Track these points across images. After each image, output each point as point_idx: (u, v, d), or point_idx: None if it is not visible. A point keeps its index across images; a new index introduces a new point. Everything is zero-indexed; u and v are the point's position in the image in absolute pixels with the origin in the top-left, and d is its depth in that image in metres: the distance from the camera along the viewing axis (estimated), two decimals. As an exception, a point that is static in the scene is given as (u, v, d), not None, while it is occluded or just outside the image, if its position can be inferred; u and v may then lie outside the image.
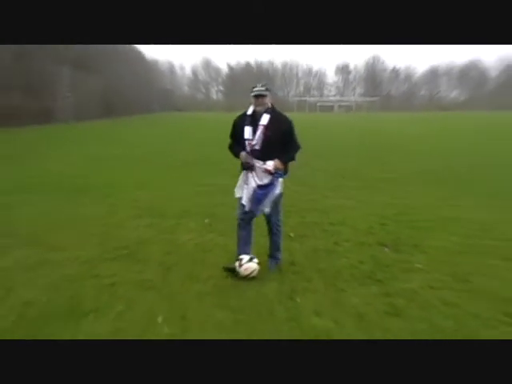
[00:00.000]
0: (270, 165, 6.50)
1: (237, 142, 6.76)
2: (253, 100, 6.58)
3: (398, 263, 7.37)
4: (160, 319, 5.49)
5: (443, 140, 31.52)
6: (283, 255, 7.33)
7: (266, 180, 6.56)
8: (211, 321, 5.47)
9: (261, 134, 6.47)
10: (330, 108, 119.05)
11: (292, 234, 8.59)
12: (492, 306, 5.83)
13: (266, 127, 6.47)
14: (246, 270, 6.46)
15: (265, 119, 6.49)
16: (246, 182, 6.67)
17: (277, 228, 7.05)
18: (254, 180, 6.58)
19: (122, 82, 69.05)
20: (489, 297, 6.11)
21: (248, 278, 6.54)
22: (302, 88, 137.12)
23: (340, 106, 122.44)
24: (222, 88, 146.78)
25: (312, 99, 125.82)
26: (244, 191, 6.69)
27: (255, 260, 6.65)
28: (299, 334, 5.13)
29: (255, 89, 6.53)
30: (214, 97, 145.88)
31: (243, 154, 6.60)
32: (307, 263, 7.18)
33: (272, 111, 6.59)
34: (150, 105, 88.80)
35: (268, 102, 6.65)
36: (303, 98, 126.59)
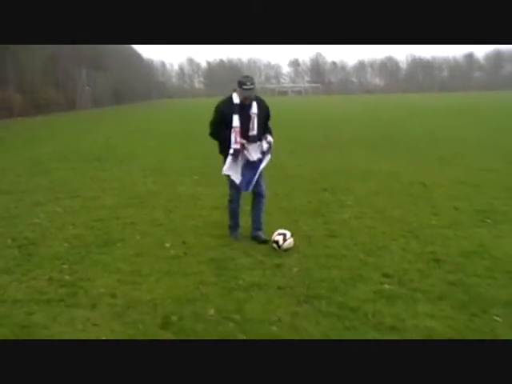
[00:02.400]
0: (271, 139, 5.75)
1: (222, 129, 5.66)
2: (242, 93, 5.51)
3: (335, 202, 7.70)
4: (168, 244, 5.73)
5: (369, 115, 31.81)
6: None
7: (260, 155, 5.68)
8: (202, 244, 5.71)
9: (256, 122, 5.62)
10: (285, 93, 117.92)
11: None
12: (397, 227, 6.22)
13: (258, 114, 5.64)
14: (289, 244, 5.42)
15: (255, 107, 5.64)
16: (237, 162, 5.65)
17: (264, 196, 5.95)
18: (249, 157, 5.65)
19: (127, 76, 67.63)
20: (395, 221, 6.49)
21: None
22: (263, 78, 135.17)
23: (292, 91, 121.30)
24: (202, 79, 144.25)
25: (271, 86, 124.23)
26: (238, 172, 5.68)
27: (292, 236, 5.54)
28: (265, 250, 5.45)
29: (246, 86, 5.47)
30: (197, 86, 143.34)
31: (231, 150, 5.61)
32: (271, 203, 7.04)
33: (256, 98, 5.71)
34: (148, 93, 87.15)
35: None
36: (265, 86, 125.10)
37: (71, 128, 26.16)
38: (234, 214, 5.94)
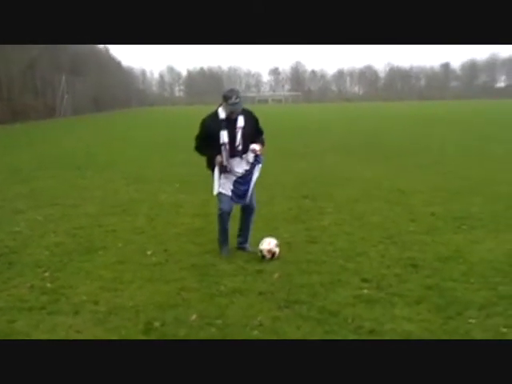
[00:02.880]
0: (256, 146, 5.40)
1: (209, 144, 5.42)
2: (228, 108, 5.27)
3: (315, 209, 7.80)
4: (149, 252, 5.75)
5: (348, 123, 32.13)
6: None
7: (246, 167, 5.45)
8: (184, 251, 5.76)
9: (241, 136, 5.35)
10: (266, 101, 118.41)
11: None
12: (375, 233, 6.33)
13: (243, 128, 5.38)
14: (276, 256, 5.33)
15: (241, 121, 5.37)
16: (227, 177, 5.46)
17: (254, 209, 5.76)
18: (235, 173, 5.45)
19: (106, 84, 67.36)
20: (374, 228, 6.60)
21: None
22: (243, 86, 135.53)
23: (273, 100, 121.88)
24: (182, 87, 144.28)
25: (251, 95, 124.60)
26: (228, 187, 5.47)
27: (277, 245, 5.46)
28: (246, 256, 5.53)
29: (231, 101, 5.20)
30: (177, 94, 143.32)
31: (219, 158, 5.39)
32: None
33: (243, 112, 5.45)
34: (128, 101, 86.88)
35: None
36: (245, 94, 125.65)
37: (51, 135, 25.93)
38: (223, 230, 5.66)
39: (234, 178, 5.47)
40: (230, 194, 5.48)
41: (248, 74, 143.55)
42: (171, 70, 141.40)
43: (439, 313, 4.06)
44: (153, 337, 3.72)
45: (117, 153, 16.67)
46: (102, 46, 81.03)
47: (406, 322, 3.90)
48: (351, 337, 3.68)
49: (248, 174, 5.50)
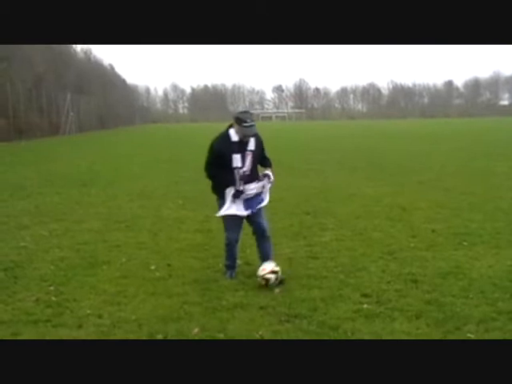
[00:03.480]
0: (271, 175, 5.36)
1: (222, 169, 5.19)
2: (242, 131, 5.06)
3: (317, 225, 7.88)
4: (153, 267, 5.83)
5: (351, 140, 32.30)
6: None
7: (258, 191, 5.30)
8: (187, 266, 5.83)
9: (251, 160, 5.20)
10: (269, 118, 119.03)
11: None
12: (376, 249, 6.40)
13: (254, 151, 5.22)
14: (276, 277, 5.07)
15: (252, 144, 5.21)
16: (237, 201, 5.22)
17: (268, 235, 5.49)
18: (247, 196, 5.25)
19: (110, 101, 68.01)
20: (375, 243, 6.68)
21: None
22: (247, 103, 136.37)
23: (276, 117, 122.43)
24: (186, 104, 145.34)
25: (255, 111, 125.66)
26: (235, 208, 5.21)
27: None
28: (248, 271, 5.58)
29: (247, 124, 5.02)
30: (181, 111, 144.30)
31: (231, 191, 5.15)
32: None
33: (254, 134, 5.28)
34: (132, 118, 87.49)
35: None
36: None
37: (55, 153, 26.13)
38: (231, 256, 5.47)
39: (243, 201, 5.24)
40: (236, 212, 5.21)
41: (252, 92, 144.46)
42: (175, 87, 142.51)
43: (438, 327, 4.12)
44: (155, 349, 3.79)
45: (121, 170, 16.83)
46: (107, 63, 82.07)
47: (405, 336, 3.96)
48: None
49: (260, 195, 5.35)
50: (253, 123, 5.07)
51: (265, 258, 5.38)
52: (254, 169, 5.29)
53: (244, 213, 5.26)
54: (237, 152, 5.13)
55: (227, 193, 5.19)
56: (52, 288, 5.14)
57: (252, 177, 5.26)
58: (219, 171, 5.23)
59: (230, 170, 5.14)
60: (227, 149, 5.14)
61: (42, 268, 5.83)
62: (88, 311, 4.54)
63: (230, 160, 5.12)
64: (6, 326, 4.24)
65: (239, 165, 5.14)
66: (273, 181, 5.41)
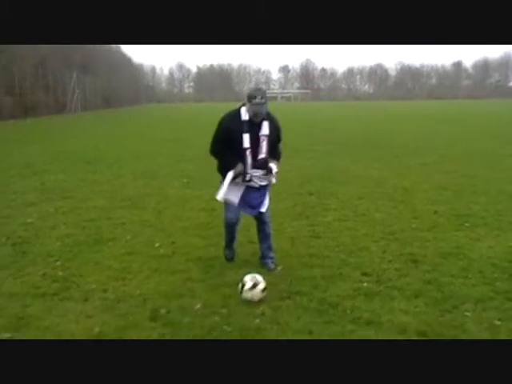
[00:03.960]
0: (275, 169, 4.90)
1: (228, 147, 4.84)
2: (251, 108, 4.69)
3: (320, 205, 7.95)
4: (157, 244, 5.93)
5: (356, 122, 32.19)
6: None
7: (264, 182, 4.96)
8: (191, 244, 5.92)
9: (266, 145, 4.83)
10: (275, 98, 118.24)
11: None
12: (378, 229, 6.47)
13: (269, 136, 4.85)
14: (252, 295, 4.29)
15: (266, 128, 4.82)
16: (237, 184, 4.89)
17: (269, 226, 5.24)
18: (254, 184, 4.91)
19: (116, 80, 67.74)
20: (377, 224, 6.74)
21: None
22: (253, 83, 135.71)
23: (282, 97, 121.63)
24: (192, 84, 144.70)
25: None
26: (235, 194, 4.91)
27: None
28: (251, 249, 5.65)
29: (256, 101, 4.64)
30: (186, 91, 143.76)
31: (240, 167, 4.82)
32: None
33: (268, 117, 4.89)
34: (137, 98, 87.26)
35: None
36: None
37: (61, 131, 26.22)
38: (231, 237, 5.28)
39: (245, 187, 4.93)
40: (237, 201, 4.91)
41: (258, 72, 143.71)
42: (181, 66, 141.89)
43: (436, 306, 4.21)
44: (159, 323, 3.91)
45: (125, 148, 16.88)
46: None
47: (403, 314, 4.05)
48: (349, 327, 3.84)
49: (264, 187, 5.02)
50: (263, 101, 4.65)
51: (264, 246, 5.20)
52: (268, 153, 4.90)
53: (240, 205, 4.94)
54: (246, 131, 4.74)
55: (228, 176, 4.82)
56: (58, 263, 5.26)
57: (266, 164, 4.88)
58: (226, 151, 4.88)
59: (239, 150, 4.78)
60: (236, 127, 4.77)
61: (49, 244, 5.95)
62: (93, 286, 4.65)
63: (240, 139, 4.75)
64: (15, 298, 4.37)
65: (248, 146, 4.77)
66: (276, 176, 4.96)
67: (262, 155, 4.83)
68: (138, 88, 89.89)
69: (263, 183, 4.97)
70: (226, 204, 5.03)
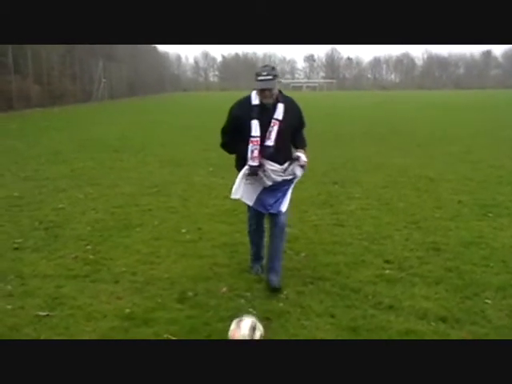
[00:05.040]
0: (303, 158, 4.31)
1: (237, 138, 4.27)
2: (257, 86, 4.15)
3: (344, 194, 8.02)
4: (184, 230, 6.09)
5: (382, 111, 31.92)
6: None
7: (285, 176, 4.28)
8: (216, 230, 6.07)
9: (277, 131, 4.17)
10: (300, 88, 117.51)
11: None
12: (401, 218, 6.53)
13: (282, 121, 4.20)
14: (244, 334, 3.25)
15: (279, 112, 4.20)
16: (254, 183, 4.27)
17: (284, 230, 4.53)
18: (266, 180, 4.23)
19: (141, 69, 68.28)
20: (400, 213, 6.81)
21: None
22: (278, 72, 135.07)
23: (307, 87, 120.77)
24: (217, 73, 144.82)
25: (286, 81, 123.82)
26: (251, 196, 4.32)
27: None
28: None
29: (261, 77, 4.07)
30: (211, 79, 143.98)
31: (251, 167, 4.18)
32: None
33: (284, 99, 4.29)
34: (162, 86, 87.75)
35: (276, 90, 4.22)
36: (279, 80, 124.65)
37: (88, 119, 26.64)
38: (254, 245, 4.77)
39: (262, 187, 4.30)
40: (252, 201, 4.36)
41: (283, 61, 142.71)
42: (206, 55, 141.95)
43: (457, 293, 4.28)
44: (186, 305, 4.06)
45: (151, 136, 17.11)
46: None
47: (423, 300, 4.13)
48: (370, 311, 3.94)
49: (284, 185, 4.35)
50: (269, 77, 4.06)
51: (271, 254, 4.49)
52: (282, 145, 4.24)
53: (256, 204, 4.35)
54: (256, 117, 4.16)
55: (241, 172, 4.27)
56: (89, 247, 5.45)
57: (279, 155, 4.22)
58: (234, 140, 4.35)
59: (247, 139, 4.20)
60: (245, 113, 4.19)
61: (79, 229, 6.16)
62: (123, 269, 4.83)
63: (248, 127, 4.17)
64: (50, 279, 4.57)
65: (257, 133, 4.16)
66: (304, 166, 4.34)
67: (269, 142, 4.17)
68: (163, 76, 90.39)
69: (278, 179, 4.25)
70: (248, 206, 4.49)
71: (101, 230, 6.07)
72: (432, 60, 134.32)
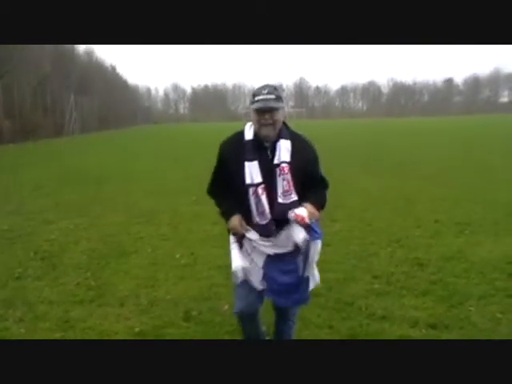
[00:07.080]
0: (303, 212, 2.93)
1: (226, 187, 3.16)
2: (255, 116, 2.98)
3: (327, 216, 8.22)
4: (178, 255, 6.31)
5: (353, 139, 32.73)
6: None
7: (290, 247, 3.07)
8: (210, 254, 6.29)
9: (290, 179, 2.97)
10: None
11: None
12: (384, 237, 6.90)
13: (290, 163, 2.98)
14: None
15: (285, 151, 2.99)
16: (250, 252, 3.16)
17: (294, 318, 3.62)
18: (265, 249, 3.11)
19: (112, 102, 68.59)
20: (382, 233, 7.18)
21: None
22: (247, 102, 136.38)
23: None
24: (187, 104, 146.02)
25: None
26: (255, 272, 3.16)
27: None
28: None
29: (259, 97, 2.95)
30: (182, 111, 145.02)
31: (234, 221, 3.10)
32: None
33: (292, 135, 3.08)
34: (134, 119, 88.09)
35: (282, 118, 3.01)
36: (249, 110, 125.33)
37: (63, 153, 26.63)
38: (249, 336, 3.51)
39: (266, 256, 3.16)
40: (258, 282, 3.19)
41: (252, 91, 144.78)
42: (176, 87, 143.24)
43: (443, 302, 4.61)
44: (192, 322, 4.29)
45: (130, 168, 17.27)
46: (108, 64, 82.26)
47: (413, 310, 4.45)
48: (365, 321, 4.24)
49: (293, 258, 3.13)
50: (270, 96, 2.93)
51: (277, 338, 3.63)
52: (291, 197, 3.01)
53: (256, 283, 3.20)
54: (251, 158, 2.99)
55: (231, 241, 3.24)
56: (89, 274, 5.63)
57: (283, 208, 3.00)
58: (223, 191, 3.24)
59: (240, 189, 3.01)
60: (236, 153, 3.04)
61: (76, 257, 6.32)
62: (126, 293, 5.03)
63: (241, 171, 2.99)
64: (56, 305, 4.74)
65: (254, 180, 2.98)
66: (301, 218, 2.94)
67: (286, 197, 2.99)
68: (134, 109, 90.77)
69: (288, 248, 3.09)
70: (235, 286, 3.27)
71: (97, 258, 6.25)
72: (397, 88, 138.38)
